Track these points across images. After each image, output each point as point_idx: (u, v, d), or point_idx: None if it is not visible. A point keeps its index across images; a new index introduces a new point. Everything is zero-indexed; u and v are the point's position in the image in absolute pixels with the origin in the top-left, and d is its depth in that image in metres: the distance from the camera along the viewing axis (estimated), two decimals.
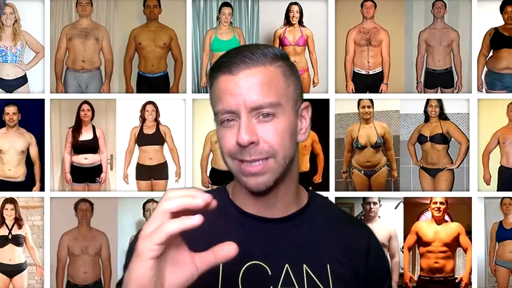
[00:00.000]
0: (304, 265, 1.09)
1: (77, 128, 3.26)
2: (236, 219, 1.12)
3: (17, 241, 3.20)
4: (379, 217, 3.20)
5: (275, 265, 1.08)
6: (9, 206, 3.19)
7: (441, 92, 3.33)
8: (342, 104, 3.26)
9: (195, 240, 1.09)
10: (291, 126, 1.07)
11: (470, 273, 3.17)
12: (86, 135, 3.27)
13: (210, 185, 3.22)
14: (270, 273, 1.08)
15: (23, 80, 3.26)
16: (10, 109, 3.20)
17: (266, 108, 1.03)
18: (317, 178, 3.25)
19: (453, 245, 3.19)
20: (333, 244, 1.13)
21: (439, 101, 3.25)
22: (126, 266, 1.13)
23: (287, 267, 1.08)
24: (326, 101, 3.21)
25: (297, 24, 3.28)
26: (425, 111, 3.26)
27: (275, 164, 1.05)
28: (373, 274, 1.16)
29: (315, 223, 1.14)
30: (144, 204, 3.20)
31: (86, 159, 3.28)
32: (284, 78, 1.06)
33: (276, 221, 1.11)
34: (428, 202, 3.21)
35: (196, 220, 0.77)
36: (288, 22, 3.29)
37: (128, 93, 3.29)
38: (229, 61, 1.04)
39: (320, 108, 3.19)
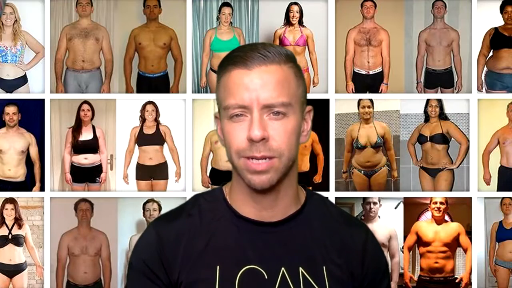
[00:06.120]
0: (300, 268, 1.09)
1: (77, 128, 3.26)
2: (232, 222, 1.11)
3: (17, 241, 3.20)
4: (379, 217, 3.20)
5: (271, 269, 1.08)
6: (9, 206, 3.19)
7: (441, 92, 3.33)
8: (342, 104, 3.25)
9: (194, 244, 1.09)
10: (298, 127, 1.07)
11: (470, 273, 3.17)
12: (86, 135, 3.27)
13: (210, 185, 3.22)
14: (266, 277, 1.08)
15: (23, 80, 3.26)
16: (10, 109, 3.20)
17: (278, 107, 1.03)
18: (317, 178, 3.25)
19: (453, 245, 3.19)
20: (329, 245, 1.12)
21: (439, 101, 3.25)
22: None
23: (283, 271, 1.08)
24: (326, 101, 3.21)
25: (297, 24, 3.28)
26: (425, 111, 3.26)
27: (280, 164, 1.05)
28: (370, 274, 1.15)
29: (311, 224, 1.13)
30: (144, 204, 3.20)
31: (86, 159, 3.28)
32: (295, 79, 1.07)
33: (272, 224, 1.11)
34: (428, 202, 3.21)
35: None
36: (288, 22, 3.29)
37: (128, 93, 3.29)
38: (245, 55, 1.04)
39: (320, 108, 3.19)
